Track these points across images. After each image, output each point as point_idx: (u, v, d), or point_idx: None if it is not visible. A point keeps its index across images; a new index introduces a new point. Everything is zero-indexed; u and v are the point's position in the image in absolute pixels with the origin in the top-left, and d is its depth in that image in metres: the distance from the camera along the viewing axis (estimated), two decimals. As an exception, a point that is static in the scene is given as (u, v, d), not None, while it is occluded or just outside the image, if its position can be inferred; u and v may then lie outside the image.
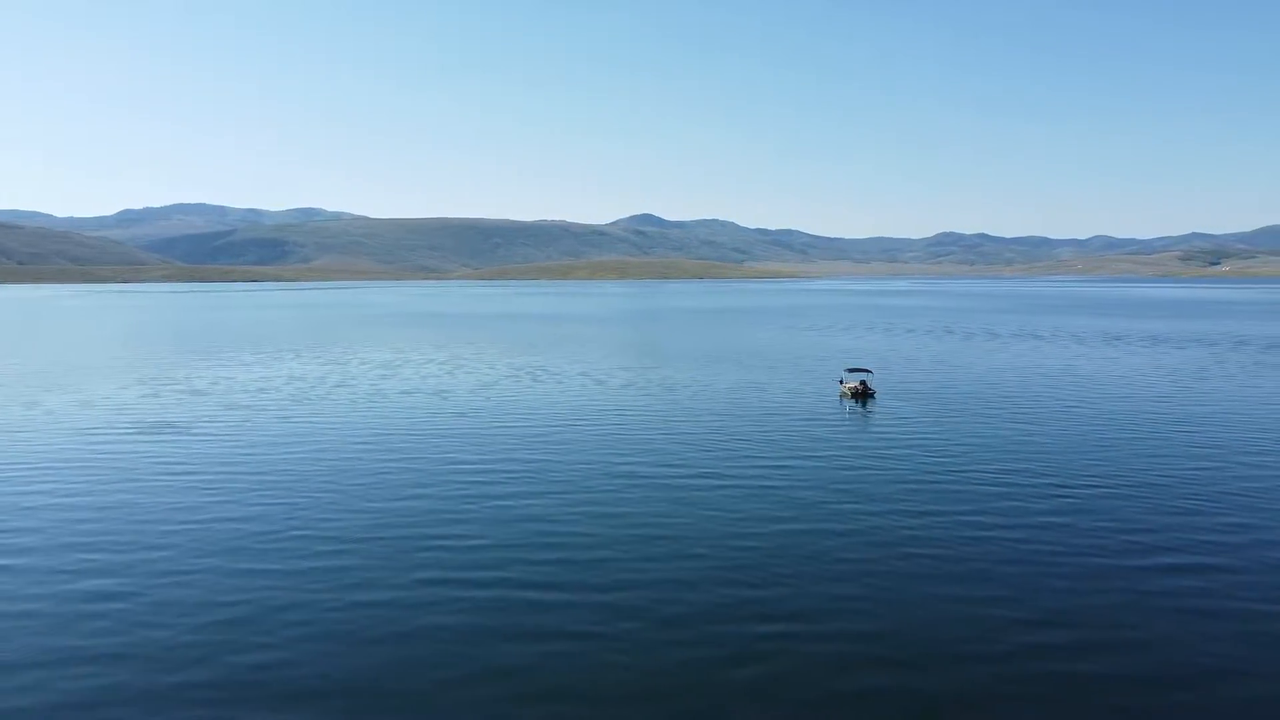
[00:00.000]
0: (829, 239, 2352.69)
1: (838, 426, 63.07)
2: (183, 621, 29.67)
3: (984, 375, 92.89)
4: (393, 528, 39.30)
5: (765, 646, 27.09)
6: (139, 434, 60.54)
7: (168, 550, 36.55)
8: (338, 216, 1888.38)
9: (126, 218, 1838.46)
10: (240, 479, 47.96)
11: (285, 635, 28.49)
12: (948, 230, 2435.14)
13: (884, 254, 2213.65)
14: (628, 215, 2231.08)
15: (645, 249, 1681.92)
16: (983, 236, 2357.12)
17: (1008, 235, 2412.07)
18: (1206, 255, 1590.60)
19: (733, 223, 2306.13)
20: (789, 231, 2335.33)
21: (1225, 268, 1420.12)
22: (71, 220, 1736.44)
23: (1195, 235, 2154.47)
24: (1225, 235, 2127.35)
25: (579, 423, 64.12)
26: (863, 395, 72.70)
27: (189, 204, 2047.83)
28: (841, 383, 77.68)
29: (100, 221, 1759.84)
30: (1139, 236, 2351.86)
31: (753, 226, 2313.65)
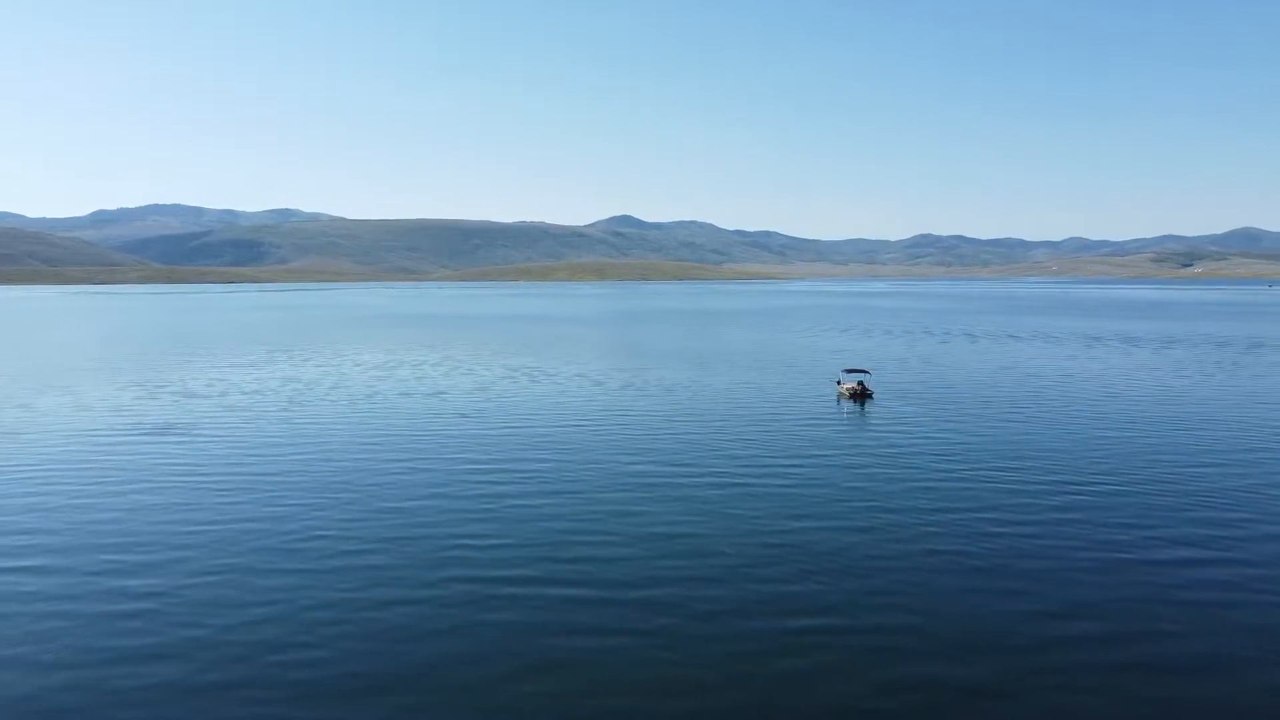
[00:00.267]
0: (807, 240, 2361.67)
1: (839, 427, 63.86)
2: (218, 620, 29.92)
3: (978, 375, 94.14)
4: (413, 527, 39.64)
5: (801, 640, 27.73)
6: (143, 436, 60.42)
7: (191, 551, 36.72)
8: (315, 217, 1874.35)
9: (100, 218, 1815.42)
10: (252, 480, 48.09)
11: (323, 634, 28.81)
12: (925, 232, 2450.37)
13: (862, 255, 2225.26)
14: (606, 216, 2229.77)
15: (624, 250, 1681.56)
16: (959, 238, 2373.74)
17: (984, 237, 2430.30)
18: (1179, 257, 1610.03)
19: (711, 224, 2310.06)
20: (767, 233, 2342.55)
21: (1198, 269, 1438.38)
22: (44, 221, 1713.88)
23: (1168, 237, 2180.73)
24: (1197, 237, 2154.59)
25: (583, 424, 64.56)
26: (861, 396, 73.52)
27: (164, 204, 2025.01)
28: (839, 383, 78.50)
29: (73, 222, 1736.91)
30: (1113, 238, 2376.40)
31: (731, 228, 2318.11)
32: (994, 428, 62.32)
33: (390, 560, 35.45)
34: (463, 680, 25.68)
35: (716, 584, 32.56)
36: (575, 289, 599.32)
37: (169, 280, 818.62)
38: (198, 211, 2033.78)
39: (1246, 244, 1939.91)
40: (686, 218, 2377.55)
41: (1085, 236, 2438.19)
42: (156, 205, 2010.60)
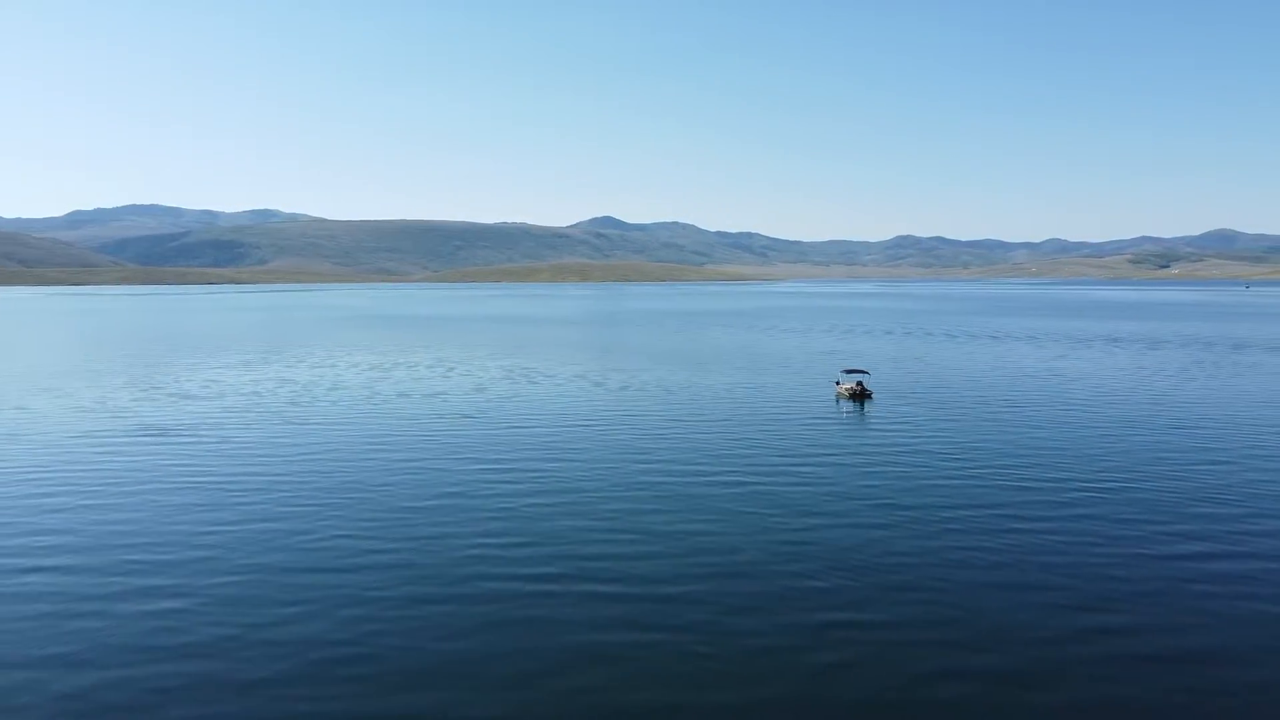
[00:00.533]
0: (789, 241, 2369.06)
1: (841, 427, 64.48)
2: (251, 618, 30.11)
3: (972, 375, 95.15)
4: (430, 526, 39.90)
5: (829, 634, 28.28)
6: (149, 438, 60.32)
7: (214, 550, 36.82)
8: (294, 218, 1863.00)
9: (77, 219, 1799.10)
10: (265, 481, 48.19)
11: (357, 631, 29.04)
12: (905, 234, 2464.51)
13: (843, 256, 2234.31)
14: (588, 218, 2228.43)
15: (606, 251, 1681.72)
16: (939, 239, 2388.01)
17: (963, 238, 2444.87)
18: (1157, 258, 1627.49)
19: (694, 225, 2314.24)
20: (749, 234, 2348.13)
21: (1175, 270, 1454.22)
22: (19, 221, 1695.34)
23: (1145, 239, 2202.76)
24: (1174, 239, 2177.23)
25: (587, 424, 64.91)
26: (860, 396, 74.16)
27: (141, 205, 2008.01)
28: (838, 384, 79.14)
29: (49, 223, 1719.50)
30: (1091, 240, 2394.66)
31: (713, 229, 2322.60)
32: (993, 426, 63.19)
33: (413, 558, 35.68)
34: (500, 674, 26.01)
35: (740, 579, 33.02)
36: (560, 290, 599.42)
37: (147, 281, 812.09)
38: (176, 212, 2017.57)
39: (1222, 245, 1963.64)
40: (669, 219, 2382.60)
41: (1064, 238, 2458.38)
42: (134, 205, 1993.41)
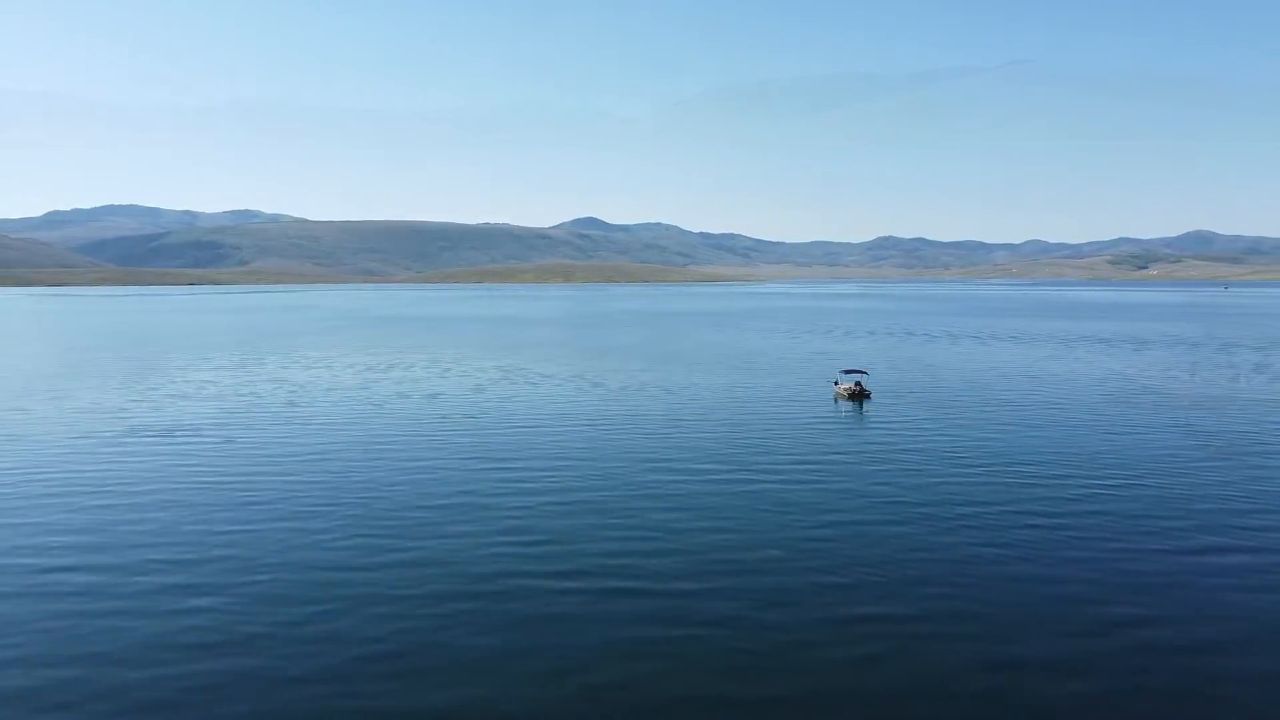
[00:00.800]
0: (771, 242, 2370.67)
1: (842, 426, 65.17)
2: (281, 615, 30.40)
3: (967, 375, 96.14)
4: (448, 524, 40.21)
5: (861, 627, 28.94)
6: (155, 438, 60.24)
7: (235, 549, 37.00)
8: (276, 219, 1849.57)
9: (54, 219, 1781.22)
10: (277, 481, 48.30)
11: (388, 627, 29.36)
12: (886, 234, 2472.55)
13: (825, 257, 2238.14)
14: (571, 218, 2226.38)
15: (589, 252, 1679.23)
16: (920, 240, 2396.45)
17: (944, 239, 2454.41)
18: (1135, 259, 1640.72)
19: (676, 226, 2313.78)
20: (732, 235, 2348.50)
21: (1153, 271, 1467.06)
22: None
23: (1124, 240, 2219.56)
24: (1153, 240, 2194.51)
25: (593, 424, 65.29)
26: (859, 396, 74.90)
27: (120, 205, 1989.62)
28: (836, 384, 79.87)
29: (26, 223, 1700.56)
30: (1070, 241, 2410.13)
31: (696, 230, 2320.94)
32: (993, 425, 64.09)
33: (434, 556, 36.01)
34: (531, 670, 26.42)
35: (760, 575, 33.57)
36: (545, 291, 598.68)
37: (127, 282, 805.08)
38: (155, 212, 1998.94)
39: (1199, 246, 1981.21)
40: (651, 220, 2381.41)
41: (1044, 239, 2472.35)
42: (112, 206, 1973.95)
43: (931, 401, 75.24)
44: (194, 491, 45.99)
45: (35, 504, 43.82)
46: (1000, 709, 23.96)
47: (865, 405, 72.65)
